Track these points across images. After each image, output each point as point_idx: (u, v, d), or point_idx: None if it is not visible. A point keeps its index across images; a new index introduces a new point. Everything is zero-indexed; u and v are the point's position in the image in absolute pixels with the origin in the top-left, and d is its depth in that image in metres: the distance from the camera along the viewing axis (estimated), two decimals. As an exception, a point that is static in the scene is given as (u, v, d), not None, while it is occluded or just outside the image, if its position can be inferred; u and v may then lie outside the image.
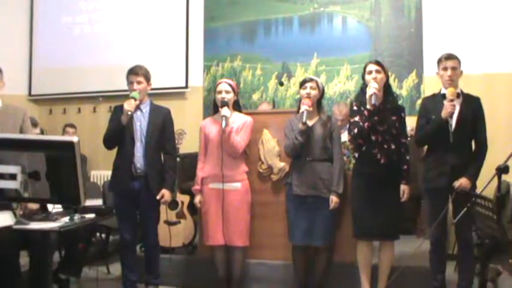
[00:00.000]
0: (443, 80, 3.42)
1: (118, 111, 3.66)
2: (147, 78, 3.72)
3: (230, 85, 3.64)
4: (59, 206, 2.97)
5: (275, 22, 5.95)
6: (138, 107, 3.67)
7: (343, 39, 5.71)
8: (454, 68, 3.38)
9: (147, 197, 3.65)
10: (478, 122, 3.41)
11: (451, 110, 3.28)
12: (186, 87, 6.14)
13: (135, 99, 3.58)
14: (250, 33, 6.02)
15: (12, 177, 2.09)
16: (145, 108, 3.74)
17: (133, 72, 3.68)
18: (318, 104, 3.57)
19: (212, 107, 3.83)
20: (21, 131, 3.37)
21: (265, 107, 5.18)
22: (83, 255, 3.94)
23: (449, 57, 3.42)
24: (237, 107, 3.72)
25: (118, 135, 3.64)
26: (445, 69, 3.40)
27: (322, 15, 5.80)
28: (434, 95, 3.53)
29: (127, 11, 6.38)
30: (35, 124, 4.17)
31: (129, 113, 3.53)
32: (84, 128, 6.10)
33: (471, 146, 3.45)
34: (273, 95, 5.71)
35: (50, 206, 2.89)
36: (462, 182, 3.29)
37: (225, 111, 3.51)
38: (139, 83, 3.66)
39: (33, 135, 3.66)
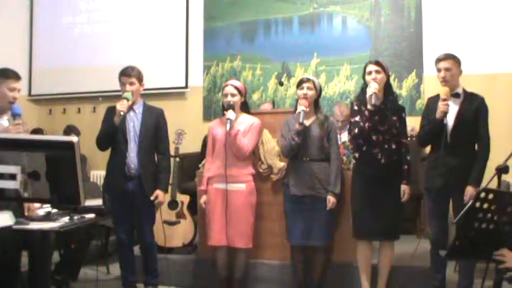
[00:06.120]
0: (439, 81, 3.44)
1: (111, 112, 3.65)
2: (140, 79, 3.71)
3: (236, 87, 3.59)
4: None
5: (275, 22, 5.95)
6: (131, 108, 3.67)
7: (343, 39, 5.71)
8: (447, 69, 3.38)
9: (141, 198, 3.65)
10: (479, 122, 3.37)
11: (444, 109, 3.27)
12: (186, 87, 6.14)
13: (128, 100, 3.57)
14: (250, 33, 6.02)
15: (12, 177, 2.08)
16: (139, 108, 3.74)
17: (125, 73, 3.67)
18: (315, 104, 3.56)
19: (221, 108, 3.79)
20: None
21: (267, 106, 5.18)
22: (78, 256, 3.90)
23: (443, 58, 3.42)
24: (244, 108, 3.67)
25: (111, 136, 3.64)
26: (439, 70, 3.42)
27: (322, 15, 5.80)
28: (438, 95, 3.48)
29: (127, 11, 6.37)
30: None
31: (122, 113, 3.53)
32: (84, 128, 6.08)
33: (472, 147, 3.41)
34: (272, 95, 5.70)
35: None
36: (470, 194, 3.24)
37: (229, 114, 3.48)
38: (131, 84, 3.65)
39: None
